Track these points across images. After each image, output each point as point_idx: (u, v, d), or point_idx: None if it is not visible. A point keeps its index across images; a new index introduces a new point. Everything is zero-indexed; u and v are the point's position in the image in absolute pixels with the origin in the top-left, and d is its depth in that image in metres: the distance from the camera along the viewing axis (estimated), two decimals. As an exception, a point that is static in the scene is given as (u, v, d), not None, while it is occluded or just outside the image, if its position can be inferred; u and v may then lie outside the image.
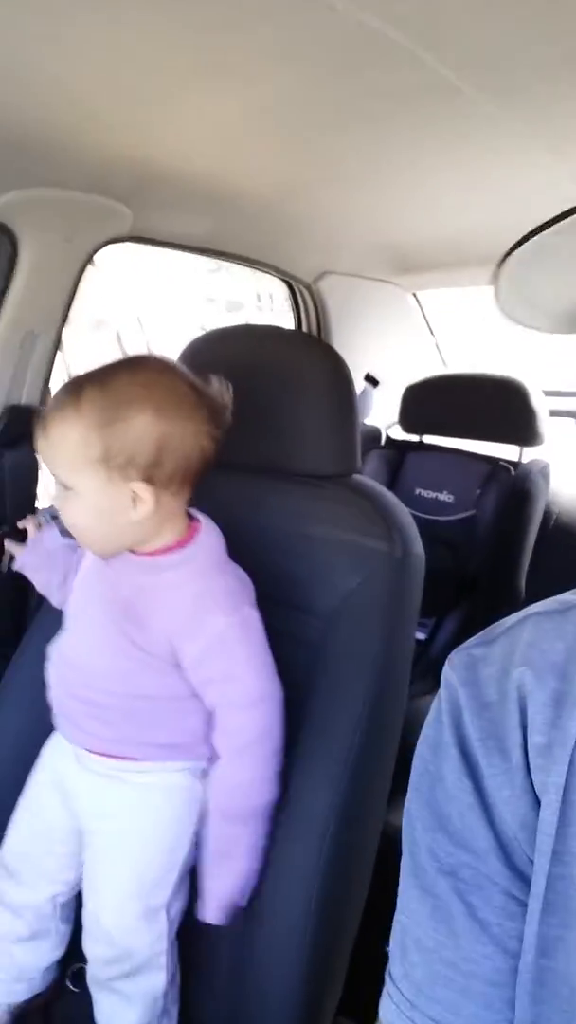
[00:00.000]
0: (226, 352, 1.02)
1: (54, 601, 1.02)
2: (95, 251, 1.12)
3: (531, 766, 0.46)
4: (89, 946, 0.88)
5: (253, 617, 0.83)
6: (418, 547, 0.97)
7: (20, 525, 1.09)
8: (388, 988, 0.50)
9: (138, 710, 0.84)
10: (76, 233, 1.06)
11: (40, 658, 0.95)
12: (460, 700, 0.50)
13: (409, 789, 0.53)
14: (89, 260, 1.12)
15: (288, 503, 0.99)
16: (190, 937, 0.91)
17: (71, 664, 0.89)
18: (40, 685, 0.94)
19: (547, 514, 1.76)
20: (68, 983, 0.97)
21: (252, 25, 0.67)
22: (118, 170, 0.99)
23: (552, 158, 1.07)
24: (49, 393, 1.20)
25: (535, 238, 0.42)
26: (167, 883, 0.86)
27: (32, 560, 1.03)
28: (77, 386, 0.78)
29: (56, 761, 0.94)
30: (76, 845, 0.92)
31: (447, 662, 0.53)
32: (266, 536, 0.97)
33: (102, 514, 0.79)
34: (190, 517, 0.86)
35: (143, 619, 0.81)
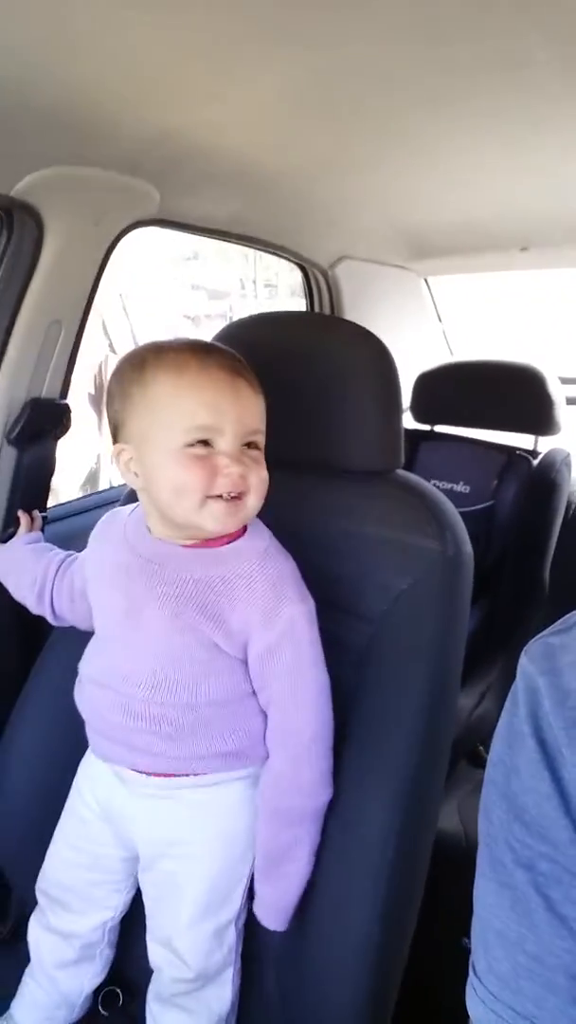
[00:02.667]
0: (264, 339, 0.97)
1: (32, 608, 0.98)
2: (122, 235, 1.06)
3: None
4: (158, 961, 0.84)
5: (314, 607, 0.80)
6: (468, 545, 0.94)
7: (23, 517, 1.07)
8: (472, 983, 0.49)
9: (205, 719, 0.80)
10: (104, 215, 1.00)
11: (60, 681, 0.90)
12: (539, 689, 0.48)
13: (484, 781, 0.51)
14: (115, 245, 1.06)
15: (332, 500, 0.95)
16: (244, 958, 0.87)
17: (127, 680, 0.81)
18: (62, 710, 0.89)
19: (567, 504, 1.73)
20: (100, 1008, 0.94)
21: (294, 3, 0.63)
22: (152, 148, 0.93)
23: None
24: (69, 386, 1.14)
25: None
26: (235, 897, 0.83)
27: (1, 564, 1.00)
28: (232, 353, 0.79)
29: (97, 790, 0.88)
30: (128, 870, 0.88)
31: (523, 652, 0.52)
32: (309, 535, 0.93)
33: None
34: None
35: (221, 614, 0.77)
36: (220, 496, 0.74)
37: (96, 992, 0.93)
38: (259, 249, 1.44)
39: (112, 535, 0.86)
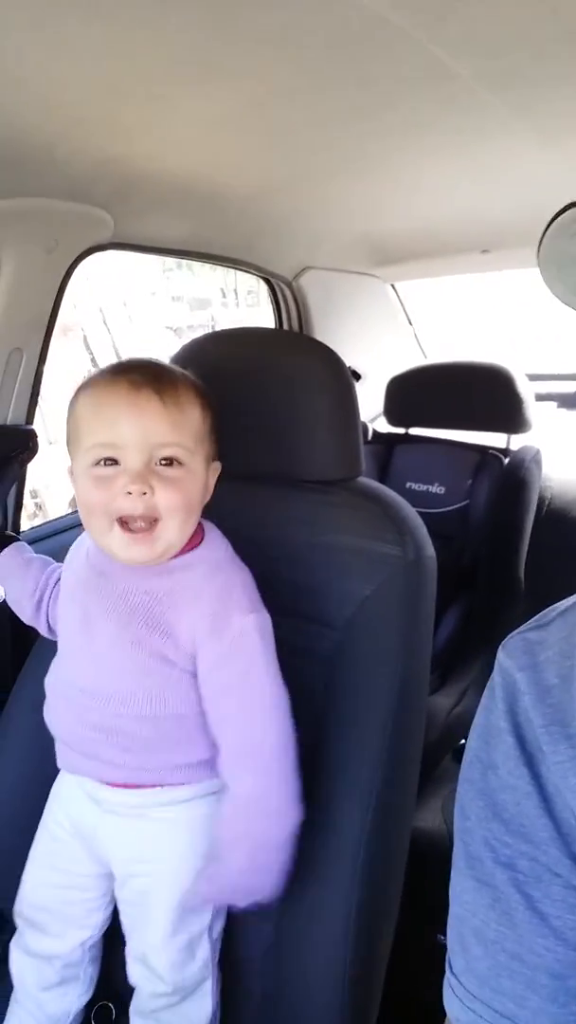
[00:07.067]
0: (222, 356, 0.99)
1: (25, 618, 0.97)
2: (78, 261, 1.08)
3: None
4: (136, 978, 0.85)
5: (268, 618, 0.79)
6: (430, 548, 0.96)
7: None
8: (450, 982, 0.49)
9: (166, 732, 0.79)
10: (58, 243, 1.02)
11: (39, 697, 0.90)
12: (518, 685, 0.48)
13: (460, 779, 0.51)
14: (71, 271, 1.08)
15: (295, 511, 0.96)
16: (227, 963, 0.88)
17: (84, 692, 0.82)
18: (42, 728, 0.89)
19: (540, 500, 1.75)
20: (93, 1023, 0.94)
21: (243, 17, 0.65)
22: (99, 175, 0.95)
23: (538, 147, 1.06)
24: (35, 411, 1.16)
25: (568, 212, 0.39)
26: (206, 909, 0.83)
27: (6, 563, 0.98)
28: (171, 367, 0.79)
29: (70, 808, 0.88)
30: (103, 888, 0.88)
31: (501, 648, 0.51)
32: (273, 546, 0.94)
33: (199, 495, 0.77)
34: None
35: (168, 626, 0.76)
36: (127, 523, 0.73)
37: (89, 1007, 0.93)
38: (221, 265, 1.46)
39: (79, 553, 0.88)
